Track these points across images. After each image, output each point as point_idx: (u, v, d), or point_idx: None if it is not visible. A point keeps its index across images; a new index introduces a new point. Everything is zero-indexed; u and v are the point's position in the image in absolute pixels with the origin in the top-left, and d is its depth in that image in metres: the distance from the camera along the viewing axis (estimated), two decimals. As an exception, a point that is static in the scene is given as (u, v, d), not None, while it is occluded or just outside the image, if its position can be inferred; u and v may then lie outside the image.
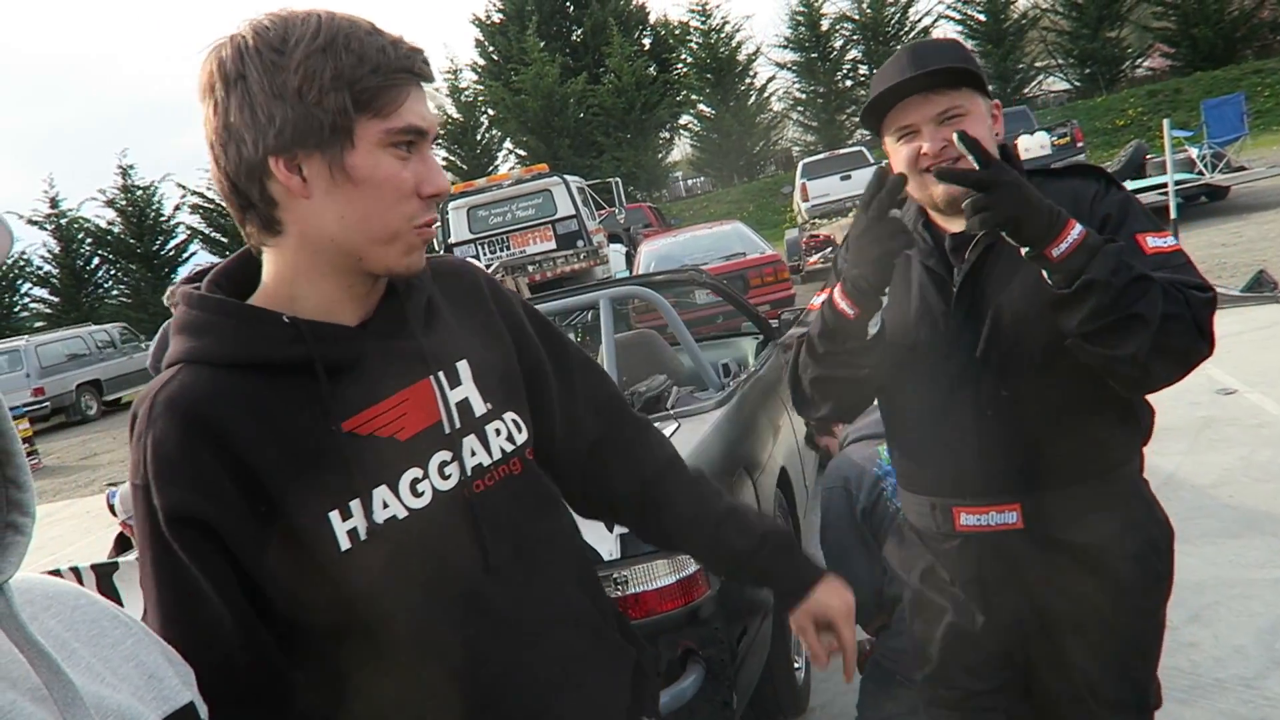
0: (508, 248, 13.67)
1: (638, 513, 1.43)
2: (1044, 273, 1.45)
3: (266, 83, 1.00)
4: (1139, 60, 30.86)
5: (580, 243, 13.49)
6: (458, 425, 1.15)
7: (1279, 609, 3.25)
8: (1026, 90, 30.34)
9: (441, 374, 1.16)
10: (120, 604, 2.51)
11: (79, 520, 9.27)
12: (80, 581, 2.52)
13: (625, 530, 2.25)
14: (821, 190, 17.64)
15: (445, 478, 1.13)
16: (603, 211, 16.13)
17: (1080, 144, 16.89)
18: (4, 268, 30.68)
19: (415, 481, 1.10)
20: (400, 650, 1.10)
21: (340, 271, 1.10)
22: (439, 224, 14.26)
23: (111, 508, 8.38)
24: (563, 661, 1.21)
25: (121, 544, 4.01)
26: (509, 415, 1.22)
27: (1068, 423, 1.64)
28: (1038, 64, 31.10)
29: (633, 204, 22.06)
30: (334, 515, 1.05)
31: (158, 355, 10.76)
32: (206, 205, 31.77)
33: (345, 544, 1.05)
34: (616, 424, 1.41)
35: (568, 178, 14.18)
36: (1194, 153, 12.91)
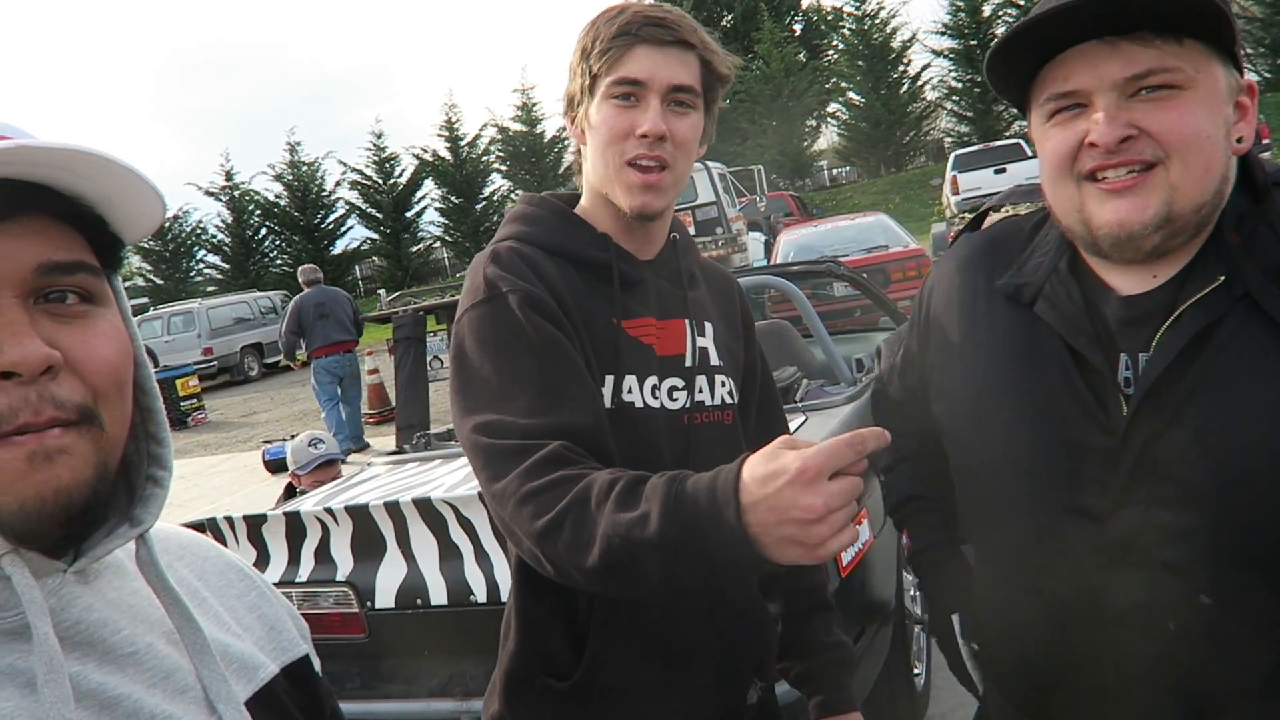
0: (648, 232, 13.76)
1: None
2: None
3: (577, 48, 1.32)
4: (1340, 51, 28.27)
5: (719, 230, 13.45)
6: (695, 363, 1.36)
7: None
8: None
9: (694, 322, 1.38)
10: (267, 555, 2.67)
11: (237, 473, 9.92)
12: (233, 530, 2.69)
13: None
14: (973, 183, 17.00)
15: (674, 400, 1.33)
16: (743, 199, 16.03)
17: (1265, 140, 15.65)
18: (184, 235, 33.06)
19: (654, 388, 1.32)
20: None
21: (607, 205, 1.33)
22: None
23: (267, 464, 8.92)
24: (716, 603, 1.34)
25: (288, 494, 4.27)
26: (732, 378, 1.42)
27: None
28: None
29: (774, 192, 21.81)
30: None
31: (293, 330, 11.13)
32: (364, 182, 33.31)
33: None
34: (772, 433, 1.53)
35: (709, 164, 14.14)
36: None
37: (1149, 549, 0.98)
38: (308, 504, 2.78)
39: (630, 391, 1.29)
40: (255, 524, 2.65)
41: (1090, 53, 0.94)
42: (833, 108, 34.44)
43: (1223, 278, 0.96)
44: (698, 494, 0.95)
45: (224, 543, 2.56)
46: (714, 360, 1.39)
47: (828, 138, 36.29)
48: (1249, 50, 27.76)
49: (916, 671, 3.08)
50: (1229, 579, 0.96)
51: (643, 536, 0.96)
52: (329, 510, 2.57)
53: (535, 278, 1.25)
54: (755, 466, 0.91)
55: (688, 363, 1.35)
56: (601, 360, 1.27)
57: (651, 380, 1.31)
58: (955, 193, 17.24)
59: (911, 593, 3.19)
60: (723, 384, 1.39)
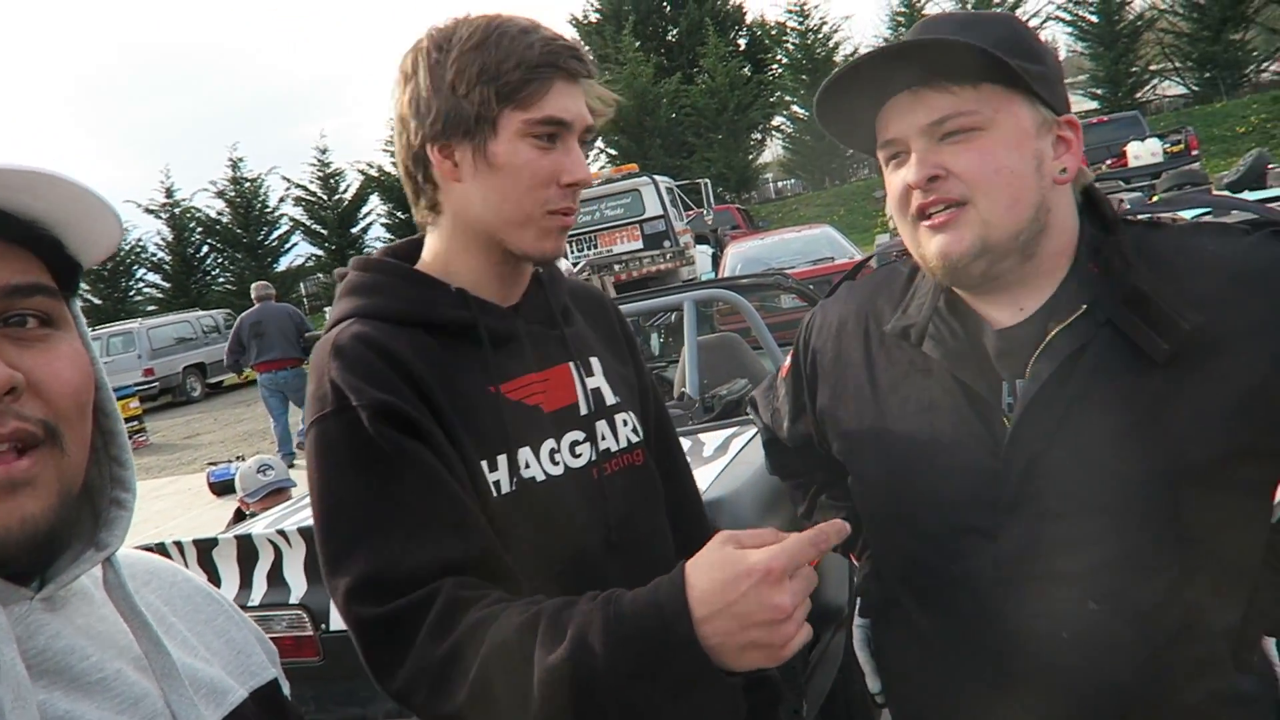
0: (595, 246, 13.80)
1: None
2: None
3: (429, 79, 1.14)
4: (1265, 64, 29.34)
5: (667, 243, 13.53)
6: (592, 409, 1.24)
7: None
8: (1140, 95, 29.14)
9: (578, 363, 1.25)
10: (218, 579, 2.62)
11: (181, 496, 9.71)
12: (182, 555, 2.65)
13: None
14: (916, 195, 17.29)
15: (576, 456, 1.21)
16: (691, 212, 16.15)
17: (1195, 152, 16.17)
18: (122, 254, 32.30)
19: (553, 451, 1.19)
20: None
21: (487, 250, 1.19)
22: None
23: (212, 487, 8.75)
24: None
25: (238, 518, 4.21)
26: (632, 414, 1.30)
27: (1194, 659, 1.03)
28: (1153, 67, 29.84)
29: (721, 205, 22.00)
30: (483, 464, 1.12)
31: (234, 350, 11.04)
32: (309, 198, 32.86)
33: (493, 493, 1.12)
34: (669, 460, 1.43)
35: (657, 178, 14.25)
36: (1319, 163, 12.25)
37: (1039, 561, 1.04)
38: (259, 526, 2.74)
39: (529, 466, 1.15)
40: (206, 548, 2.61)
41: (900, 103, 1.04)
42: (777, 121, 34.85)
43: (1085, 306, 1.03)
44: (640, 613, 0.87)
45: (173, 568, 2.51)
46: (610, 399, 1.27)
47: (773, 151, 36.78)
48: (1177, 64, 28.73)
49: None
50: (1113, 584, 1.02)
51: (588, 672, 0.86)
52: (281, 532, 2.54)
53: (387, 372, 1.08)
54: (707, 573, 0.86)
55: (583, 410, 1.23)
56: (487, 440, 1.13)
57: (549, 444, 1.18)
58: (898, 204, 17.54)
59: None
60: (625, 422, 1.28)
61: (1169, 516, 1.00)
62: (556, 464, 1.18)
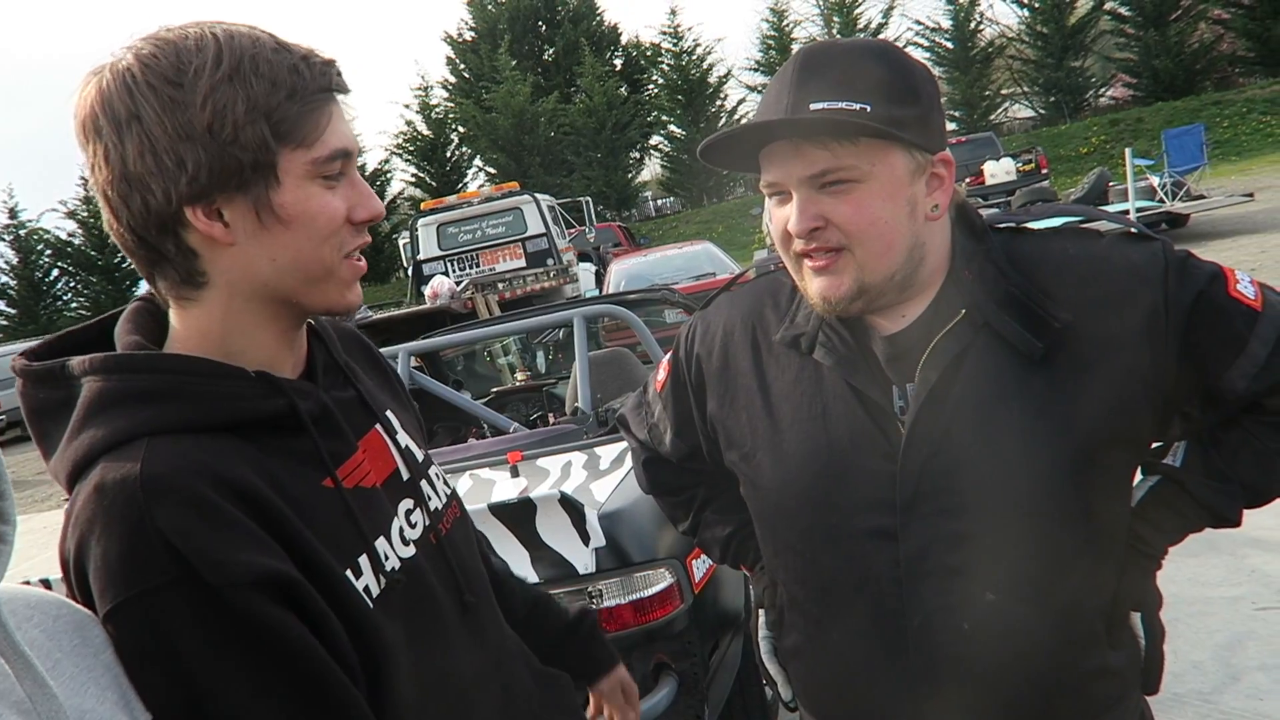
0: (477, 265, 13.67)
1: None
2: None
3: (168, 122, 0.87)
4: (1102, 90, 31.59)
5: (550, 261, 13.52)
6: (411, 472, 1.11)
7: (1235, 626, 3.32)
8: (993, 117, 30.93)
9: (381, 423, 1.10)
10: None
11: (37, 535, 9.06)
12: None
13: (601, 544, 2.26)
14: (790, 212, 17.80)
15: (413, 525, 1.07)
16: (573, 230, 16.17)
17: (1045, 170, 17.25)
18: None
19: (401, 530, 1.04)
20: (405, 704, 0.98)
21: (277, 319, 0.98)
22: (407, 243, 14.26)
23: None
24: (513, 687, 1.18)
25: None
26: (435, 463, 1.21)
27: (1078, 637, 1.12)
28: (1004, 91, 31.72)
29: (603, 223, 22.14)
30: (348, 574, 0.93)
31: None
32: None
33: (368, 602, 0.95)
34: None
35: (538, 196, 14.24)
36: (1155, 181, 13.21)
37: (939, 557, 1.09)
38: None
39: (388, 558, 0.99)
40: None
41: (781, 152, 1.07)
42: (655, 140, 35.36)
43: (964, 311, 1.10)
44: None
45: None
46: (418, 454, 1.15)
47: (651, 170, 37.22)
48: (1025, 89, 30.56)
49: (766, 683, 3.19)
50: (1007, 574, 1.07)
51: None
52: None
53: (228, 506, 0.84)
54: None
55: (405, 475, 1.09)
56: (344, 545, 0.94)
57: (396, 524, 1.03)
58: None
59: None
60: (438, 475, 1.18)
61: (1052, 506, 1.06)
62: (407, 543, 1.04)
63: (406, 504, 1.08)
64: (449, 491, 1.20)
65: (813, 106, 1.03)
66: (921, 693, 1.13)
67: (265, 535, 0.85)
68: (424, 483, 1.13)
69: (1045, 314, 1.07)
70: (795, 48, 28.86)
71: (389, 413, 1.13)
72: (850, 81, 1.04)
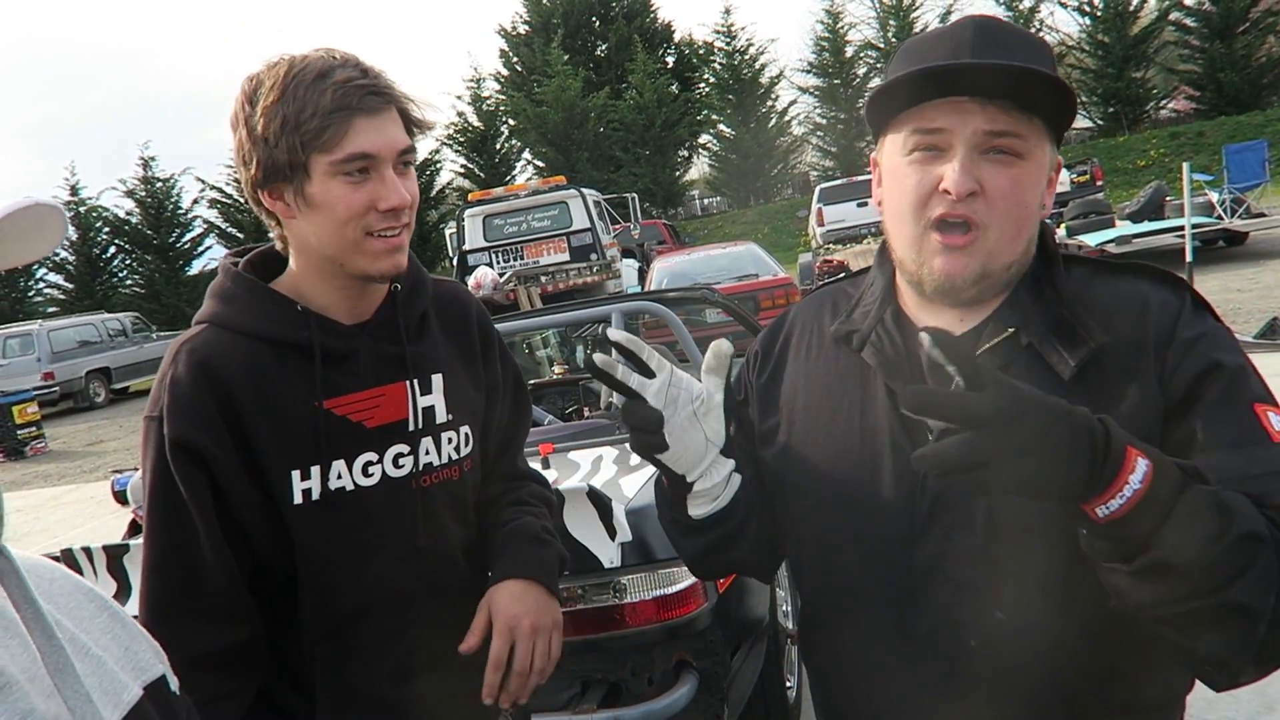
0: (521, 257, 13.73)
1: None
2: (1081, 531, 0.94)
3: (246, 131, 1.24)
4: (1163, 102, 30.87)
5: (594, 256, 13.54)
6: (420, 426, 1.36)
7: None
8: (1047, 126, 30.35)
9: (417, 381, 1.37)
10: (129, 585, 2.52)
11: (83, 505, 9.32)
12: (91, 561, 2.55)
13: (627, 539, 2.27)
14: (837, 216, 17.70)
15: (399, 467, 1.34)
16: (618, 226, 16.19)
17: (1100, 182, 16.91)
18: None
19: (369, 464, 1.32)
20: (327, 598, 1.31)
21: (331, 275, 1.31)
22: (454, 233, 14.39)
23: (117, 495, 8.42)
24: (442, 636, 1.37)
25: (134, 530, 4.02)
26: (464, 429, 1.43)
27: (1097, 669, 1.06)
28: (1060, 101, 31.09)
29: (648, 220, 22.15)
30: (295, 474, 1.27)
31: None
32: (224, 200, 31.98)
33: (298, 499, 1.27)
34: (503, 456, 1.58)
35: (584, 191, 14.26)
36: (1214, 197, 12.91)
37: (950, 571, 1.08)
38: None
39: (340, 477, 1.29)
40: (116, 554, 2.52)
41: (960, 104, 1.04)
42: (704, 139, 35.26)
43: (1012, 329, 1.09)
44: None
45: (81, 574, 2.42)
46: (440, 417, 1.39)
47: (699, 168, 37.13)
48: (1084, 99, 30.00)
49: (789, 684, 3.18)
50: (1017, 595, 1.05)
51: None
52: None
53: (204, 398, 1.24)
54: None
55: (411, 427, 1.35)
56: (302, 451, 1.27)
57: (366, 457, 1.31)
58: (820, 224, 17.90)
59: (784, 608, 3.29)
60: (449, 440, 1.40)
61: (1068, 529, 1.02)
62: (370, 475, 1.32)
63: (399, 448, 1.34)
64: (455, 457, 1.41)
65: (1013, 64, 1.01)
66: (925, 702, 1.12)
67: (219, 418, 1.24)
68: (428, 439, 1.37)
69: (1084, 334, 1.07)
70: (849, 50, 28.31)
71: (436, 375, 1.39)
72: (1030, 59, 1.03)
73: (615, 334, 1.08)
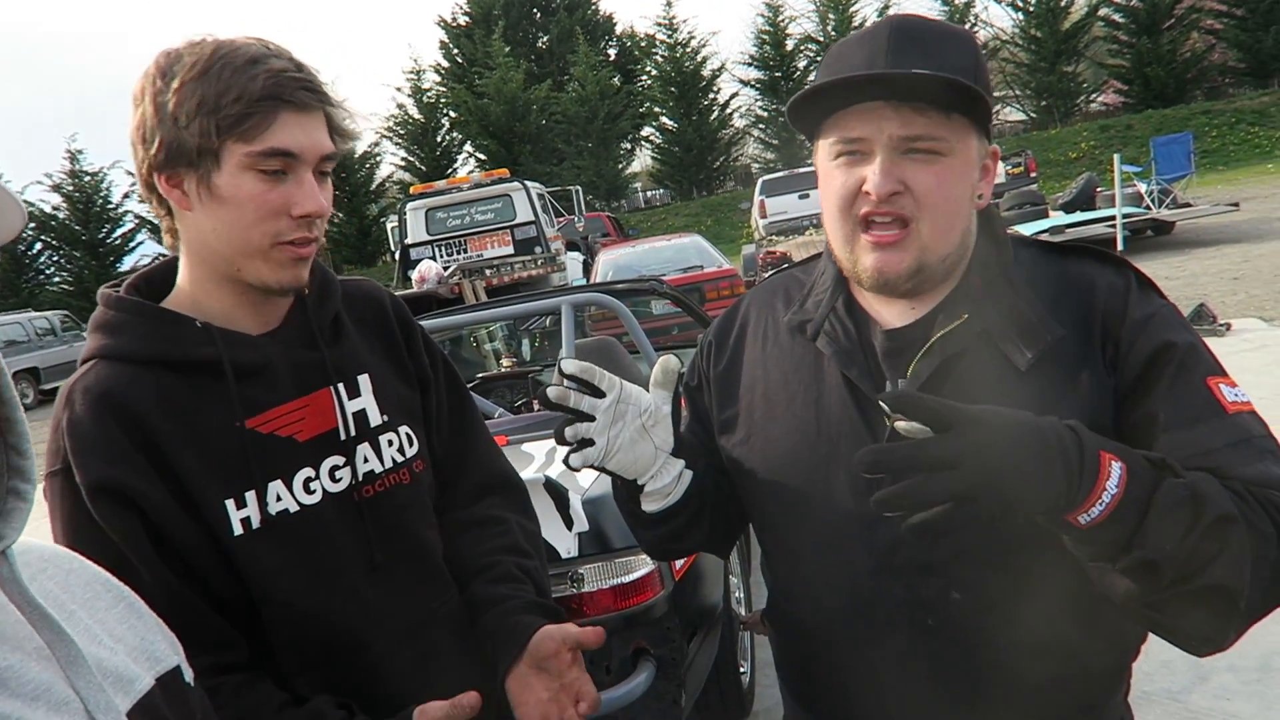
0: (465, 251, 13.63)
1: (448, 542, 1.39)
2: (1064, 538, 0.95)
3: (152, 107, 1.12)
4: (1093, 95, 31.74)
5: (538, 249, 13.49)
6: (353, 433, 1.25)
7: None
8: (983, 119, 31.02)
9: (342, 385, 1.25)
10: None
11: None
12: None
13: (584, 529, 2.28)
14: (779, 208, 17.85)
15: (336, 480, 1.22)
16: (562, 219, 16.17)
17: (1034, 174, 17.36)
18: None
19: (309, 480, 1.20)
20: (290, 634, 1.18)
21: (229, 280, 1.18)
22: (395, 226, 14.22)
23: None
24: (431, 659, 1.27)
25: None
26: (403, 429, 1.31)
27: (1046, 641, 1.09)
28: (996, 94, 31.55)
29: (592, 213, 22.10)
30: (230, 503, 1.14)
31: None
32: (157, 194, 31.16)
33: (239, 530, 1.14)
34: (460, 455, 1.44)
35: (528, 184, 14.19)
36: (1142, 188, 13.31)
37: (910, 552, 1.10)
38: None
39: (279, 499, 1.17)
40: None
41: (876, 110, 1.06)
42: (646, 132, 35.31)
43: (966, 315, 1.12)
44: None
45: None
46: (374, 420, 1.28)
47: (642, 161, 37.20)
48: (1017, 92, 30.70)
49: (742, 670, 3.22)
50: (975, 575, 1.08)
51: None
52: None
53: (114, 434, 1.10)
54: None
55: (342, 436, 1.23)
56: (234, 477, 1.15)
57: (305, 473, 1.20)
58: (763, 216, 18.04)
59: (737, 594, 3.33)
60: (390, 442, 1.29)
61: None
62: (313, 492, 1.20)
63: (334, 460, 1.23)
64: (400, 460, 1.29)
65: (918, 70, 1.03)
66: (888, 678, 1.15)
67: (136, 452, 1.10)
68: (365, 445, 1.26)
69: (1042, 327, 1.09)
70: (789, 44, 28.57)
71: (363, 376, 1.28)
72: (947, 58, 1.05)
73: (569, 365, 1.11)
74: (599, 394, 1.12)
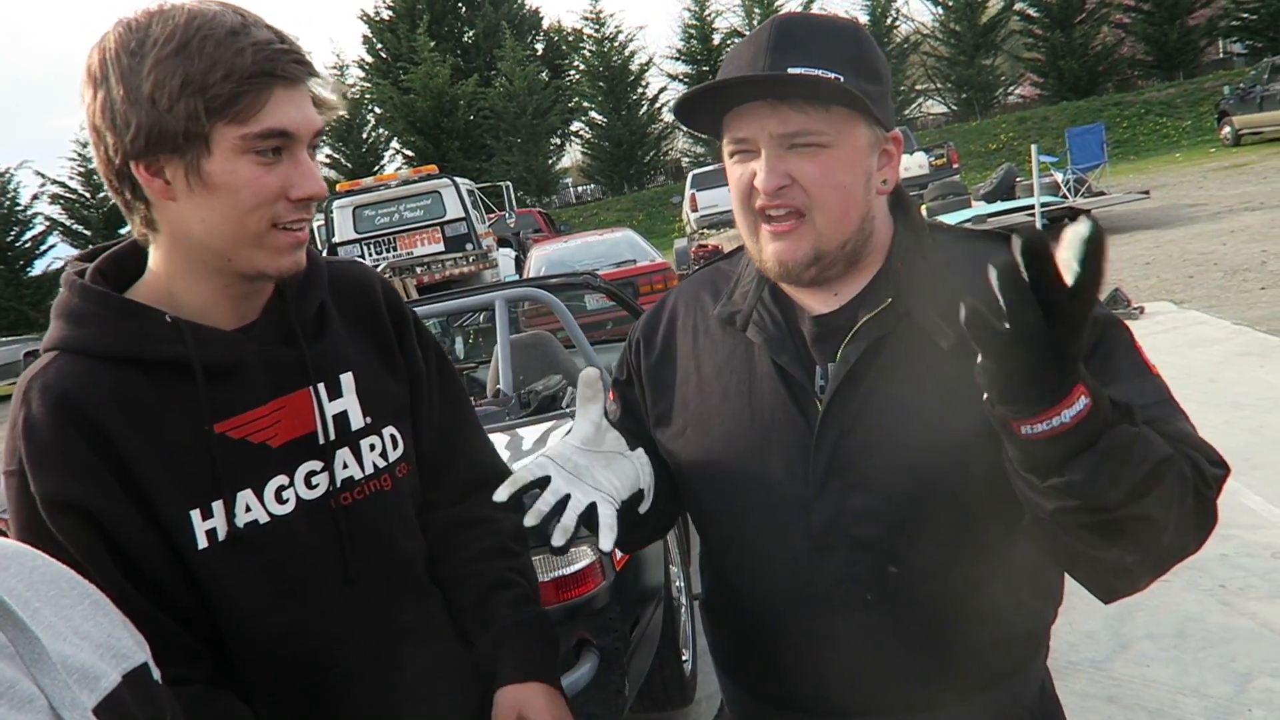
0: (395, 249, 13.44)
1: (433, 545, 1.33)
2: (1008, 444, 0.95)
3: (122, 88, 1.00)
4: (1011, 88, 32.64)
5: (469, 246, 13.38)
6: (332, 438, 1.16)
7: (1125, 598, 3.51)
8: (907, 112, 31.70)
9: (322, 385, 1.16)
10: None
11: None
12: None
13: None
14: (710, 201, 17.99)
15: (312, 487, 1.14)
16: (492, 215, 16.05)
17: (956, 165, 17.76)
18: None
19: (281, 489, 1.12)
20: (254, 652, 1.11)
21: (214, 272, 1.09)
22: (322, 225, 13.97)
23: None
24: (413, 675, 1.21)
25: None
26: (387, 430, 1.23)
27: (977, 609, 1.14)
28: (918, 87, 32.53)
29: (523, 209, 21.99)
30: (195, 514, 1.06)
31: None
32: (68, 195, 30.10)
33: (203, 543, 1.07)
34: (449, 449, 1.35)
35: (458, 180, 14.05)
36: (1059, 177, 13.71)
37: (846, 529, 1.14)
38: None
39: (249, 510, 1.09)
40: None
41: (757, 110, 1.10)
42: (576, 126, 35.24)
43: (890, 299, 1.16)
44: None
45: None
46: (356, 423, 1.18)
47: (572, 156, 37.14)
48: (938, 85, 31.38)
49: (685, 657, 3.25)
50: (910, 549, 1.12)
51: None
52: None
53: (72, 440, 1.02)
54: None
55: (321, 440, 1.15)
56: (199, 487, 1.06)
57: (277, 482, 1.11)
58: (694, 210, 18.17)
59: (677, 582, 3.36)
60: (373, 446, 1.20)
61: (955, 485, 1.10)
62: (285, 501, 1.12)
63: (310, 465, 1.14)
64: (382, 465, 1.21)
65: (791, 70, 1.07)
66: (825, 655, 1.18)
67: (95, 461, 1.02)
68: (345, 450, 1.17)
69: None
70: (716, 38, 28.82)
71: (346, 374, 1.19)
72: (826, 53, 1.09)
73: (501, 494, 1.08)
74: (545, 482, 1.10)
